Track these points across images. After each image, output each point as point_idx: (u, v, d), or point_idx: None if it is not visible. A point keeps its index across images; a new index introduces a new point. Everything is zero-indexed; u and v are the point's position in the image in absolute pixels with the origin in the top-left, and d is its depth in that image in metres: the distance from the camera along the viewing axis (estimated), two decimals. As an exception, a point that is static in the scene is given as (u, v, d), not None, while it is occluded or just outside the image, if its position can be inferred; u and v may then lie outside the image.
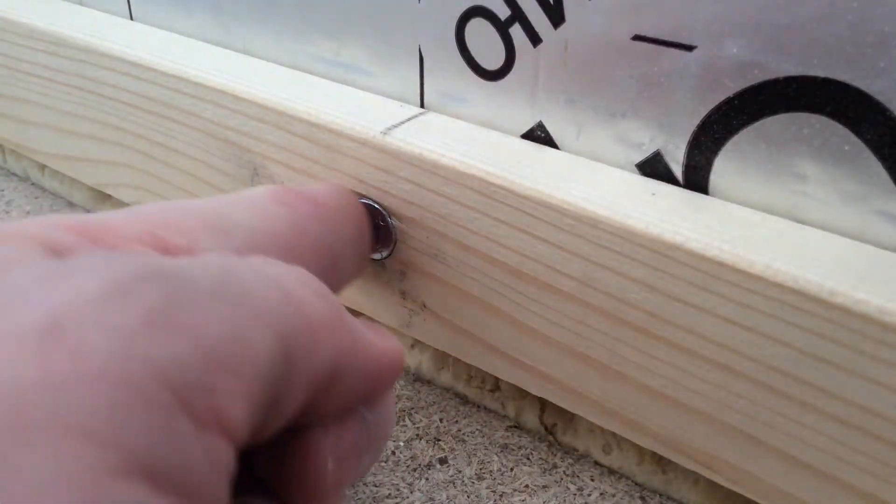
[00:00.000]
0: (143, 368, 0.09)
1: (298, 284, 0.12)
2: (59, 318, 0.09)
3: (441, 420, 0.27)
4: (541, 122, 0.23)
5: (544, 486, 0.25)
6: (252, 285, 0.11)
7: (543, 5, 0.21)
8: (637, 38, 0.20)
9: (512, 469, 0.25)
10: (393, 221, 0.24)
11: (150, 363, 0.09)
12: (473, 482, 0.25)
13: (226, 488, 0.09)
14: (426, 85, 0.26)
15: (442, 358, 0.29)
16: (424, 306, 0.26)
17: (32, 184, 0.41)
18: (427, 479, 0.25)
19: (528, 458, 0.26)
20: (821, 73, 0.18)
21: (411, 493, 0.24)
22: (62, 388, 0.08)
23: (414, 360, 0.29)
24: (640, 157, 0.22)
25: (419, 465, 0.25)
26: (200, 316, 0.10)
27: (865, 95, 0.17)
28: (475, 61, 0.24)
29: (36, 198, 0.39)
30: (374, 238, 0.25)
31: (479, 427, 0.27)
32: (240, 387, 0.10)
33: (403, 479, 0.25)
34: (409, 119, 0.25)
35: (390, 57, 0.26)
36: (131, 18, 0.34)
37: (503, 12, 0.22)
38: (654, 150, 0.21)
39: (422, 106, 0.26)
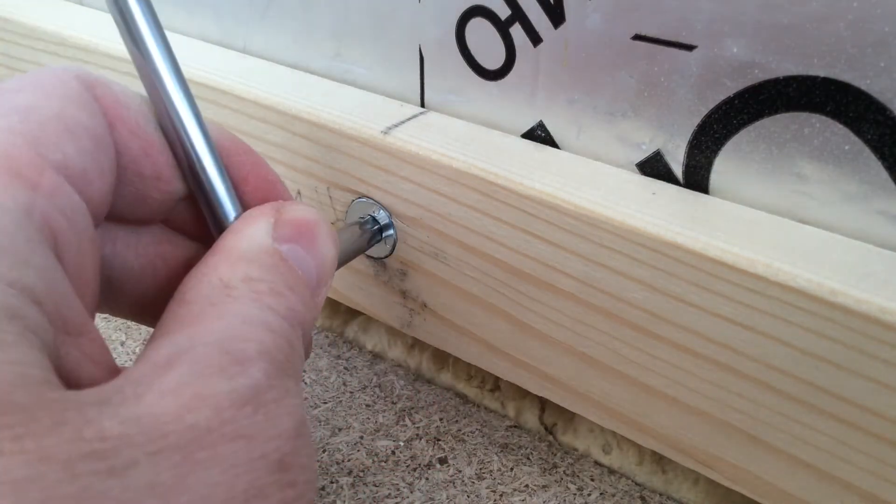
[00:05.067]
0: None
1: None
2: None
3: (441, 420, 0.27)
4: (541, 121, 0.23)
5: (544, 486, 0.25)
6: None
7: (544, 5, 0.21)
8: (637, 37, 0.20)
9: (512, 469, 0.25)
10: (394, 221, 0.24)
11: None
12: (473, 482, 0.25)
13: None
14: (426, 84, 0.26)
15: (442, 358, 0.29)
16: (425, 306, 0.26)
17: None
18: (427, 478, 0.25)
19: (528, 458, 0.26)
20: (821, 73, 0.18)
21: (411, 493, 0.24)
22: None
23: (414, 359, 0.29)
24: (640, 156, 0.22)
25: (419, 465, 0.25)
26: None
27: (865, 95, 0.17)
28: (475, 61, 0.24)
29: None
30: (374, 238, 0.25)
31: (479, 427, 0.27)
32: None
33: (403, 479, 0.25)
34: (409, 118, 0.25)
35: (391, 57, 0.26)
36: (131, 18, 0.34)
37: (503, 12, 0.22)
38: (655, 149, 0.21)
39: (422, 105, 0.26)
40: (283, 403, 0.14)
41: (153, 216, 0.18)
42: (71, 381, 0.13)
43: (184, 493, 0.11)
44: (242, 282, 0.16)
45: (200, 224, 0.19)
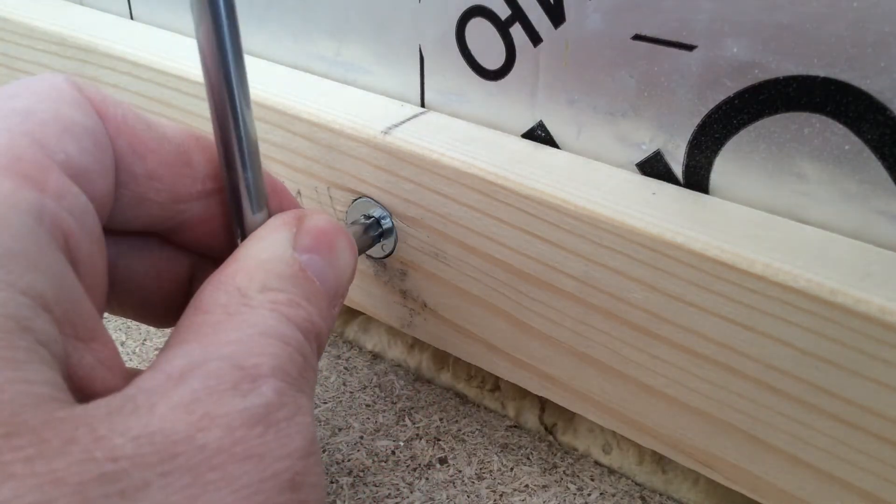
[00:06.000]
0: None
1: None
2: None
3: (441, 420, 0.27)
4: (541, 121, 0.23)
5: (544, 486, 0.25)
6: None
7: (544, 5, 0.21)
8: (637, 37, 0.20)
9: (512, 469, 0.25)
10: (394, 221, 0.25)
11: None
12: (473, 482, 0.25)
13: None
14: (427, 84, 0.26)
15: (442, 358, 0.29)
16: (425, 306, 0.26)
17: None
18: (427, 478, 0.25)
19: (528, 458, 0.26)
20: (821, 73, 0.18)
21: (411, 493, 0.24)
22: None
23: (414, 359, 0.29)
24: (640, 156, 0.22)
25: (419, 465, 0.25)
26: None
27: (865, 95, 0.17)
28: (476, 61, 0.24)
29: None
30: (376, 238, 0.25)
31: (479, 427, 0.27)
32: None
33: (403, 479, 0.25)
34: (409, 118, 0.25)
35: (391, 56, 0.26)
36: (131, 18, 0.34)
37: (503, 12, 0.22)
38: (655, 149, 0.21)
39: (422, 105, 0.26)
40: (295, 421, 0.14)
41: (154, 223, 0.18)
42: (85, 387, 0.13)
43: None
44: (260, 291, 0.15)
45: (206, 238, 0.19)
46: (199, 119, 0.28)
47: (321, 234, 0.18)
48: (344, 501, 0.24)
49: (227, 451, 0.12)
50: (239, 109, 0.17)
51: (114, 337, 0.30)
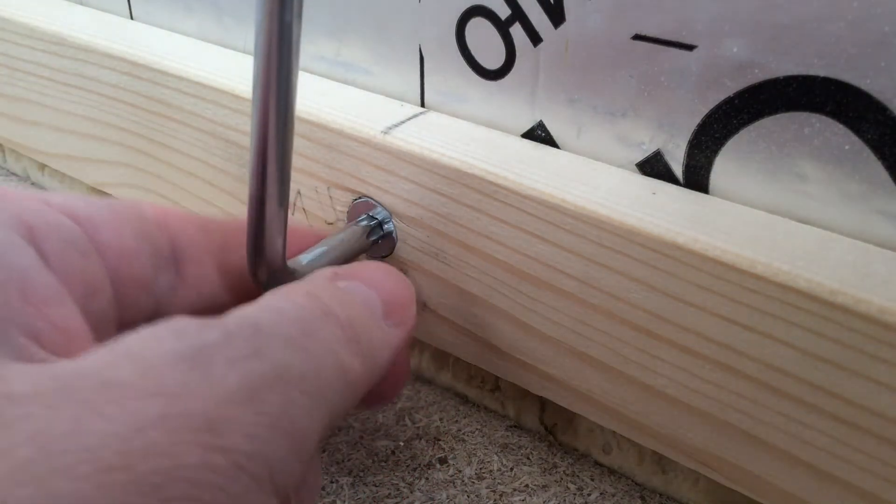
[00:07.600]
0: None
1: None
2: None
3: (441, 420, 0.27)
4: (541, 121, 0.23)
5: (544, 486, 0.25)
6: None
7: (544, 5, 0.21)
8: (637, 37, 0.20)
9: (512, 469, 0.25)
10: (394, 221, 0.25)
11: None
12: (473, 482, 0.25)
13: None
14: (426, 84, 0.26)
15: (442, 358, 0.29)
16: (425, 306, 0.26)
17: (32, 183, 0.41)
18: (427, 478, 0.25)
19: (528, 458, 0.26)
20: (821, 73, 0.18)
21: (411, 492, 0.24)
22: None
23: (414, 359, 0.29)
24: (640, 156, 0.22)
25: (419, 464, 0.25)
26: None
27: (865, 95, 0.17)
28: (475, 61, 0.24)
29: (36, 198, 0.39)
30: (376, 239, 0.25)
31: (479, 427, 0.27)
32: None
33: (403, 479, 0.25)
34: (409, 118, 0.25)
35: (391, 56, 0.26)
36: (131, 18, 0.34)
37: (503, 12, 0.22)
38: (655, 149, 0.21)
39: (422, 105, 0.26)
40: (237, 366, 0.12)
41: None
42: (46, 346, 0.13)
43: (65, 443, 0.11)
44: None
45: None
46: (199, 119, 0.28)
47: (357, 270, 0.19)
48: (344, 501, 0.24)
49: (133, 386, 0.11)
50: (288, 117, 0.17)
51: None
